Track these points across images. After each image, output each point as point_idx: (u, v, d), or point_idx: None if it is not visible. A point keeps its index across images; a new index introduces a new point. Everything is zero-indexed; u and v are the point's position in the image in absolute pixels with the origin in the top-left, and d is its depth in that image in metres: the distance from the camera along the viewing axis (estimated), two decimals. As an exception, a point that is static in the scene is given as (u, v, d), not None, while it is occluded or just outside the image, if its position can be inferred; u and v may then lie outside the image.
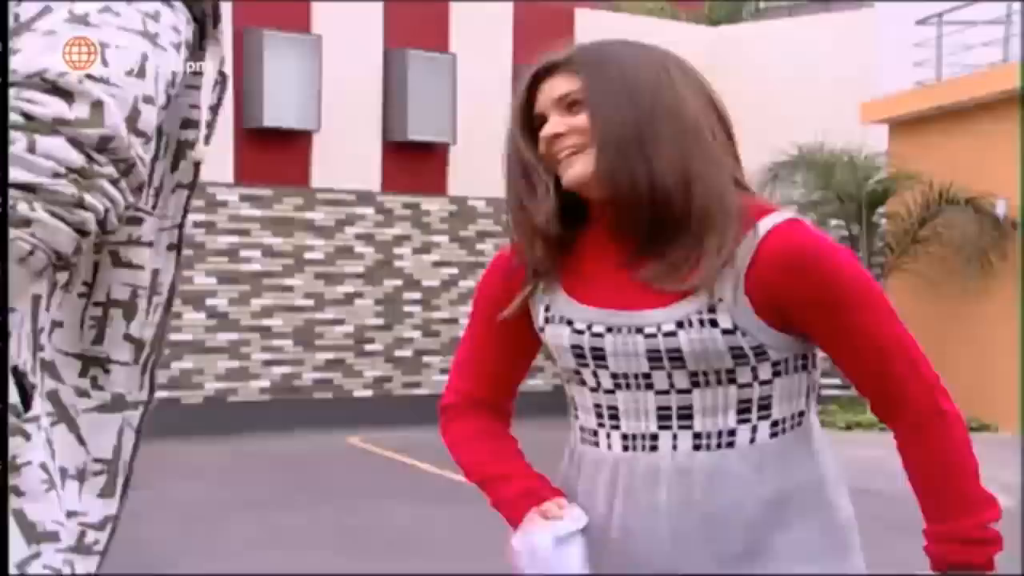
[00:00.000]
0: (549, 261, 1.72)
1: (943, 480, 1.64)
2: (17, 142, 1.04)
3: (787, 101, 13.96)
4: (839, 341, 1.63)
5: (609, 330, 1.67)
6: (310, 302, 13.01)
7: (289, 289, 12.93)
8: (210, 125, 1.31)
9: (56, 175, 1.04)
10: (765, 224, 1.62)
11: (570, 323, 1.70)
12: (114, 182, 1.08)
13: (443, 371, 13.55)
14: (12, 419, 1.13)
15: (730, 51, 14.65)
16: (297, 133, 12.89)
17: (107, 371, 1.26)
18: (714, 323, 1.61)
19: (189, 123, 1.28)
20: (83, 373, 1.24)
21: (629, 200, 1.63)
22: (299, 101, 12.69)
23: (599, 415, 1.71)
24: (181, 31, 1.19)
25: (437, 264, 13.68)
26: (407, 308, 13.48)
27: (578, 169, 1.66)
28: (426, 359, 13.51)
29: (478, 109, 13.48)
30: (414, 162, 13.56)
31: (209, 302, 12.41)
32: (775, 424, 1.66)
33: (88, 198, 1.06)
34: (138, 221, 1.21)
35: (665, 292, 1.63)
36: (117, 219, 1.11)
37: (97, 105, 1.07)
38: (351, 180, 13.17)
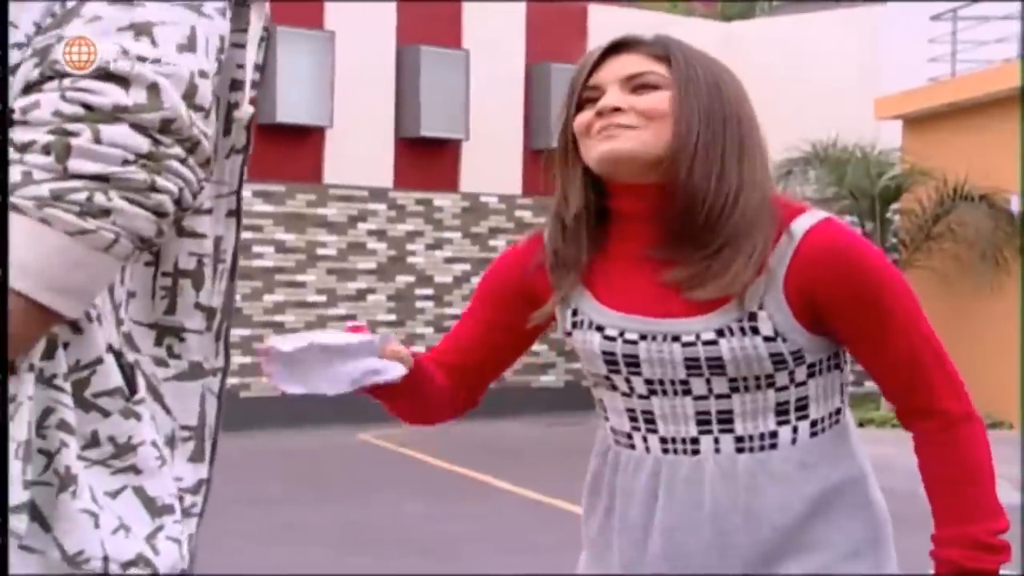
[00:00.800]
0: (576, 254, 1.69)
1: (964, 485, 1.63)
2: (82, 134, 1.04)
3: (800, 97, 13.92)
4: (872, 340, 1.63)
5: (643, 337, 1.64)
6: (322, 298, 13.03)
7: (301, 285, 12.94)
8: (256, 85, 1.29)
9: (126, 162, 1.05)
10: (800, 226, 1.62)
11: (600, 329, 1.67)
12: (182, 161, 1.08)
13: (455, 367, 13.52)
14: (122, 402, 1.17)
15: (743, 47, 14.61)
16: (310, 129, 12.90)
17: (182, 340, 1.27)
18: (755, 330, 1.60)
19: (236, 84, 1.28)
20: (158, 343, 1.26)
21: (688, 195, 1.60)
22: (312, 97, 12.70)
23: (633, 419, 1.69)
24: None
25: (449, 260, 13.68)
26: (419, 304, 13.48)
27: (621, 144, 1.61)
28: (438, 355, 13.50)
29: (491, 106, 13.48)
30: (427, 158, 13.56)
31: (221, 298, 12.43)
32: (814, 424, 1.66)
33: (160, 180, 1.06)
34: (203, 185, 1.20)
35: (701, 299, 1.61)
36: (192, 196, 1.11)
37: (153, 88, 1.06)
38: (364, 176, 13.18)
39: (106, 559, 1.12)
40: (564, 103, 1.69)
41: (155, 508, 1.17)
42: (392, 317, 13.35)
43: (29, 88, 1.06)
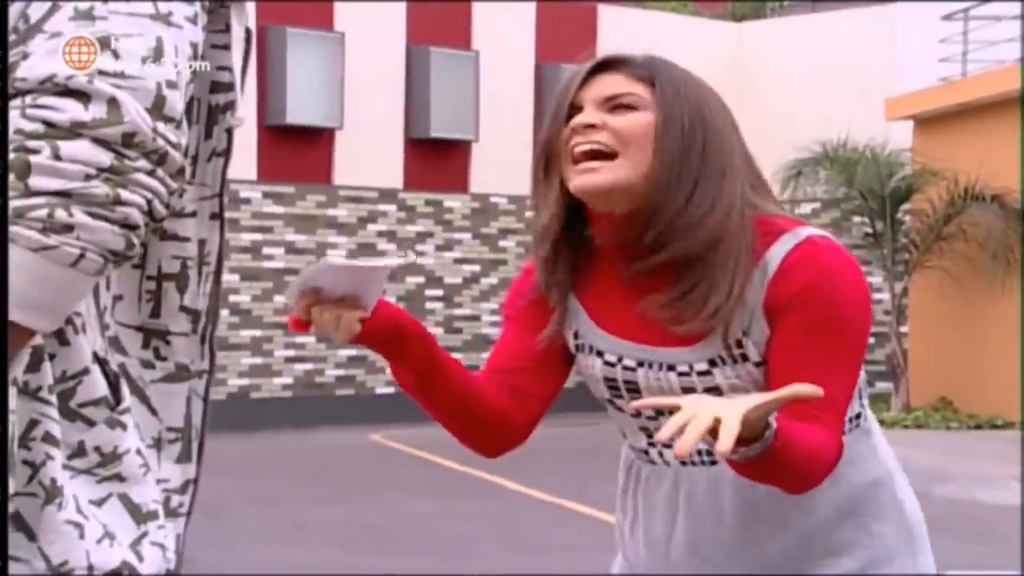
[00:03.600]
0: (557, 274, 1.66)
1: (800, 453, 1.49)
2: (42, 151, 1.04)
3: (810, 97, 13.90)
4: (790, 350, 1.55)
5: (640, 364, 1.64)
6: (332, 299, 13.03)
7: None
8: (238, 88, 1.29)
9: (87, 177, 1.04)
10: (776, 254, 1.58)
11: (600, 354, 1.67)
12: (150, 173, 1.08)
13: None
14: (107, 412, 1.18)
15: (753, 48, 14.59)
16: (320, 130, 12.91)
17: (168, 342, 1.28)
18: (744, 357, 1.59)
19: (217, 86, 1.27)
20: (145, 345, 1.27)
21: (662, 224, 1.57)
22: (322, 98, 12.71)
23: (648, 435, 1.69)
24: None
25: (459, 261, 13.68)
26: (429, 305, 13.49)
27: (603, 178, 1.58)
28: (448, 356, 13.51)
29: (501, 107, 13.48)
30: (436, 159, 13.57)
31: (232, 299, 12.45)
32: None
33: (125, 194, 1.06)
34: (179, 193, 1.21)
35: (684, 333, 1.59)
36: (165, 207, 1.11)
37: (113, 102, 1.06)
38: (374, 177, 13.19)
39: (91, 568, 1.14)
40: (546, 120, 1.67)
41: (140, 515, 1.18)
42: (402, 318, 13.35)
43: None
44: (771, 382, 1.57)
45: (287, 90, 12.53)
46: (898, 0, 14.13)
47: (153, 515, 1.20)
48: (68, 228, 1.04)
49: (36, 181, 1.04)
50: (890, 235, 12.02)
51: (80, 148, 1.04)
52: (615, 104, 1.62)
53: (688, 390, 1.61)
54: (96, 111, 1.05)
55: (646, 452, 1.70)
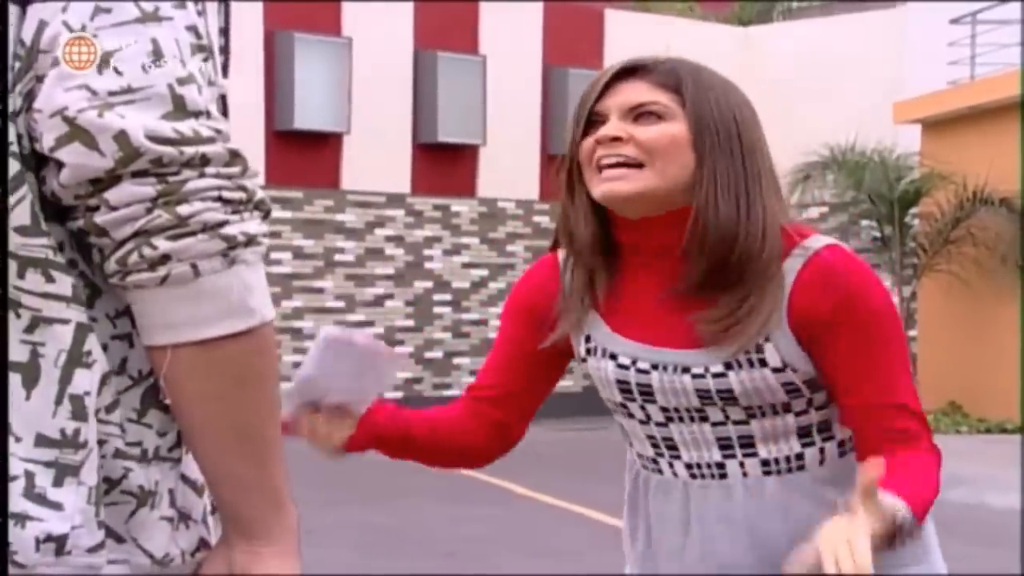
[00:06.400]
0: (586, 283, 1.67)
1: (917, 484, 1.56)
2: (99, 208, 1.07)
3: (818, 101, 13.89)
4: (844, 359, 1.59)
5: (655, 367, 1.63)
6: (340, 304, 13.05)
7: (319, 291, 12.97)
8: (224, 50, 1.27)
9: (148, 211, 1.07)
10: (791, 266, 1.59)
11: (613, 357, 1.66)
12: (199, 177, 1.08)
13: (473, 373, 13.54)
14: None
15: (760, 52, 14.58)
16: (327, 135, 12.93)
17: None
18: (763, 362, 1.59)
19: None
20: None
21: (718, 233, 1.57)
22: (329, 103, 12.73)
23: (655, 445, 1.68)
24: None
25: (467, 266, 13.69)
26: (437, 310, 13.49)
27: (629, 186, 1.58)
28: (456, 361, 13.53)
29: (508, 111, 13.49)
30: (444, 164, 13.58)
31: (240, 304, 12.48)
32: (842, 444, 1.65)
33: (185, 208, 1.07)
34: (245, 169, 1.21)
35: (721, 347, 1.59)
36: (240, 188, 1.11)
37: (122, 136, 1.06)
38: (381, 182, 13.21)
39: (182, 553, 1.16)
40: (570, 126, 1.66)
41: (198, 488, 1.20)
42: (410, 323, 13.38)
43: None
44: (840, 399, 1.61)
45: (295, 95, 12.55)
46: (907, 2, 14.12)
47: (203, 488, 1.21)
48: (165, 257, 1.07)
49: (114, 233, 1.07)
50: (898, 239, 12.01)
51: (123, 191, 1.06)
52: (640, 113, 1.60)
53: (702, 392, 1.61)
54: (110, 150, 1.05)
55: (655, 461, 1.69)
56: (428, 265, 13.49)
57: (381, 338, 14.70)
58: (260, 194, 1.14)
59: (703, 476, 1.65)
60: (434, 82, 13.20)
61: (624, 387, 1.66)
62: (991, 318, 11.62)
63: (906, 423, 1.59)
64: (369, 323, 13.15)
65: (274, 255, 12.69)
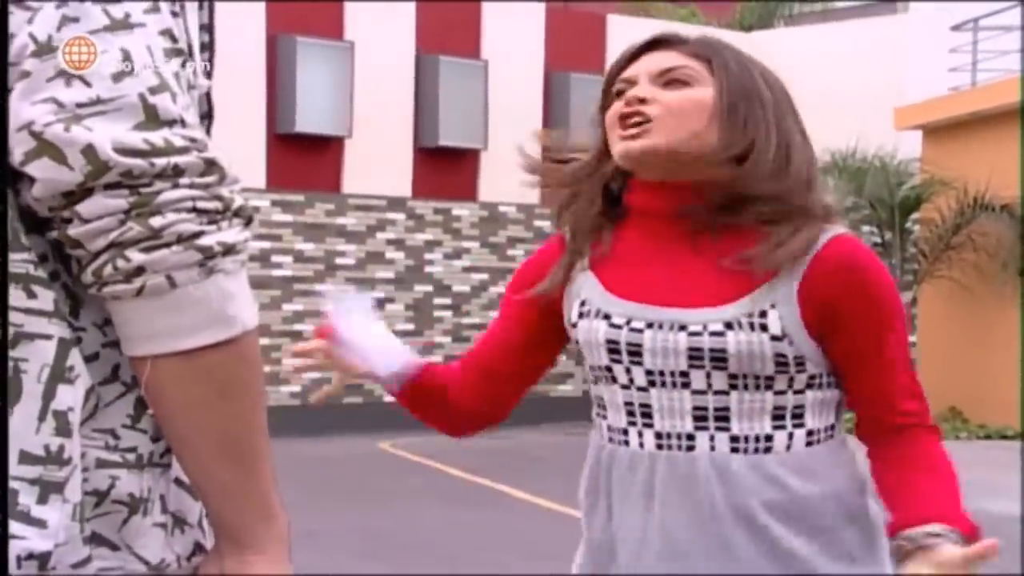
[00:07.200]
0: (587, 242, 1.72)
1: (926, 480, 1.66)
2: (73, 220, 1.06)
3: (819, 107, 13.84)
4: (865, 355, 1.66)
5: (650, 326, 1.65)
6: (341, 307, 13.04)
7: (320, 294, 12.96)
8: (206, 47, 1.23)
9: (121, 222, 1.06)
10: (823, 235, 1.65)
11: (607, 317, 1.68)
12: (173, 187, 1.07)
13: (473, 377, 13.54)
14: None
15: (762, 57, 14.52)
16: (329, 139, 12.94)
17: None
18: (764, 327, 1.61)
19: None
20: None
21: (752, 193, 1.63)
22: (331, 107, 12.74)
23: (630, 413, 1.69)
24: None
25: (467, 270, 13.70)
26: (437, 314, 13.50)
27: (641, 142, 1.63)
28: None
29: (509, 115, 13.49)
30: (445, 168, 13.59)
31: (241, 307, 12.48)
32: (810, 433, 1.67)
33: (158, 220, 1.06)
34: (222, 177, 1.18)
35: (718, 290, 1.63)
36: (215, 198, 1.09)
37: (90, 150, 1.04)
38: (382, 186, 13.21)
39: (178, 558, 1.16)
40: (600, 95, 1.71)
41: (193, 492, 1.19)
42: (410, 327, 13.38)
43: None
44: (848, 379, 1.67)
45: (296, 99, 12.56)
46: (908, 6, 14.12)
47: (195, 492, 1.20)
48: (140, 269, 1.06)
49: (88, 245, 1.06)
50: (899, 244, 12.01)
51: (95, 204, 1.05)
52: (669, 79, 1.64)
53: (694, 352, 1.63)
54: (78, 164, 1.04)
55: (624, 431, 1.69)
56: (429, 269, 13.50)
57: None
58: (239, 201, 1.12)
59: (671, 448, 1.66)
60: (435, 86, 13.21)
61: (613, 347, 1.67)
62: (992, 324, 11.62)
63: (911, 404, 1.67)
64: (370, 327, 13.15)
65: (275, 258, 12.70)
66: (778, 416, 1.65)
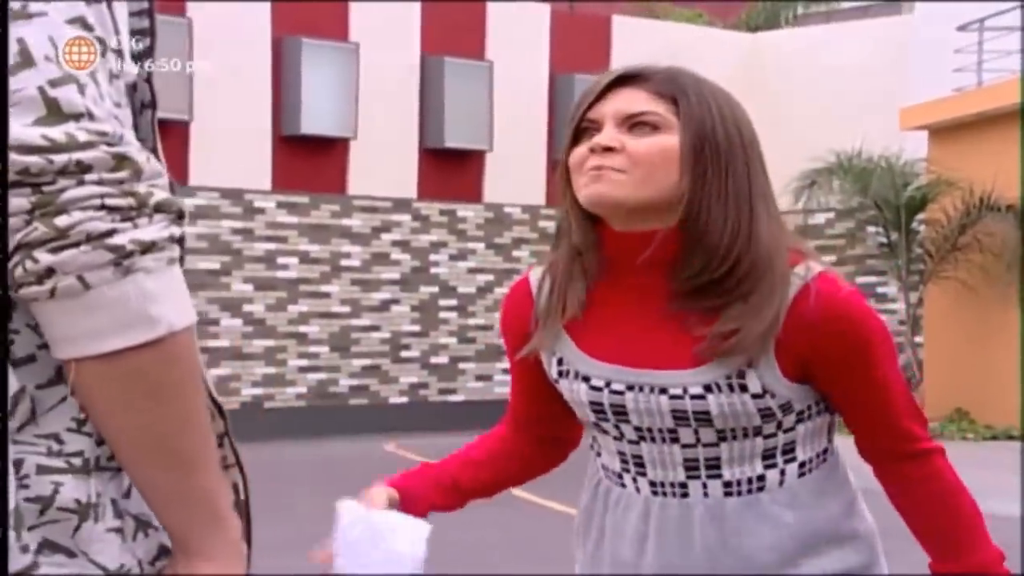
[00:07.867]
0: (560, 296, 1.65)
1: (949, 517, 1.67)
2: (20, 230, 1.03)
3: (825, 107, 13.88)
4: (853, 391, 1.63)
5: (630, 388, 1.61)
6: (346, 309, 13.06)
7: (326, 296, 12.98)
8: (150, 33, 1.18)
9: (26, 222, 1.02)
10: (794, 284, 1.57)
11: (586, 379, 1.64)
12: (78, 185, 1.02)
13: (478, 378, 13.56)
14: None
15: (768, 58, 14.58)
16: (334, 140, 12.95)
17: None
18: (744, 388, 1.57)
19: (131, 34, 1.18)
20: None
21: (706, 252, 1.55)
22: (336, 108, 12.75)
23: (623, 461, 1.68)
24: None
25: (473, 271, 13.70)
26: (443, 315, 13.50)
27: (609, 190, 1.55)
28: (461, 366, 13.53)
29: (515, 117, 13.50)
30: (450, 169, 13.59)
31: (246, 308, 12.49)
32: (802, 465, 1.66)
33: (64, 219, 1.02)
34: (137, 172, 1.13)
35: (694, 350, 1.57)
36: (128, 194, 1.04)
37: None
38: (388, 187, 13.22)
39: (139, 563, 1.13)
40: (566, 135, 1.64)
41: None
42: (416, 328, 13.38)
43: None
44: (846, 416, 1.65)
45: (302, 100, 12.57)
46: (913, 6, 14.11)
47: None
48: (50, 270, 1.02)
49: None
50: (905, 245, 12.00)
51: (14, 204, 1.01)
52: (635, 123, 1.58)
53: (678, 413, 1.60)
54: None
55: (620, 475, 1.69)
56: (434, 270, 13.50)
57: (387, 343, 14.65)
58: (160, 196, 1.06)
59: (665, 494, 1.65)
60: (441, 87, 13.22)
61: (597, 408, 1.65)
62: (997, 325, 11.60)
63: (915, 426, 1.65)
64: (375, 328, 13.17)
65: (280, 260, 12.70)
66: (768, 455, 1.63)
